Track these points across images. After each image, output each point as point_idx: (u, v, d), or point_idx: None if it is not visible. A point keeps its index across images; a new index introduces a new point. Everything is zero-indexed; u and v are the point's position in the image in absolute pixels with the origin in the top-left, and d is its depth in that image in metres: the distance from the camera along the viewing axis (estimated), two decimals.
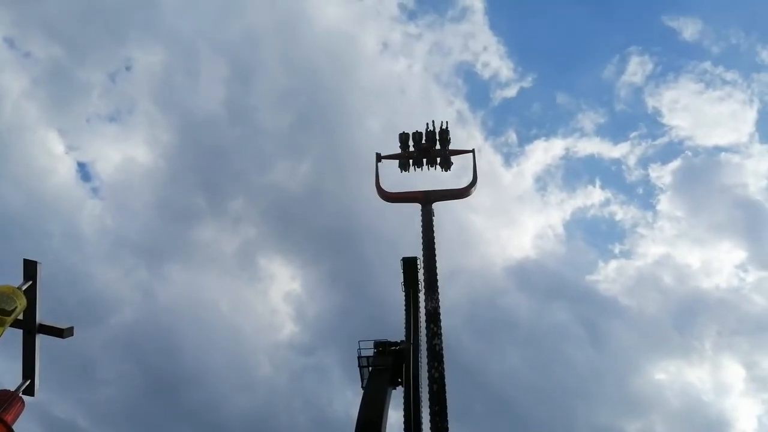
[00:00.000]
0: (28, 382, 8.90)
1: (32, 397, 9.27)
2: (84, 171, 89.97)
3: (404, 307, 24.45)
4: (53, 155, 76.63)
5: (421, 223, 23.14)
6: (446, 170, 24.42)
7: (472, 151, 24.86)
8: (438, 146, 24.94)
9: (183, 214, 78.67)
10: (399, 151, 26.18)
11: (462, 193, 25.00)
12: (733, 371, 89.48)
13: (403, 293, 24.27)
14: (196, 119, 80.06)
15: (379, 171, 25.33)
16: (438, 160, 25.37)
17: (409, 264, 23.14)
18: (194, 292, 78.94)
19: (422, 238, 23.24)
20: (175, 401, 70.42)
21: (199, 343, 74.36)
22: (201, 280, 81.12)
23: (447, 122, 24.84)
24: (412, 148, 25.10)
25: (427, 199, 23.23)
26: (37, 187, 72.00)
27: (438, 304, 22.73)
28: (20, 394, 8.57)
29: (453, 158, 25.07)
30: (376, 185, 23.94)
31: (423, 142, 24.83)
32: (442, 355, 19.58)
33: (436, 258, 23.68)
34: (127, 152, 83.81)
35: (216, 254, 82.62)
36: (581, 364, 73.49)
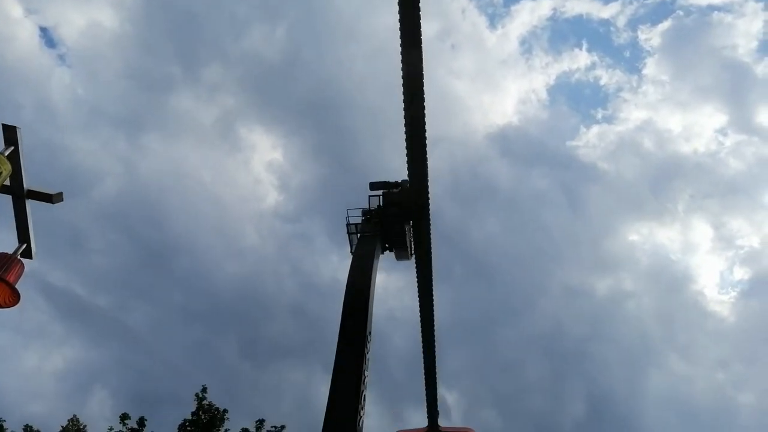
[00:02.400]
0: (24, 246, 9.05)
1: (30, 260, 9.49)
2: (47, 37, 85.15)
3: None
4: (11, 19, 71.93)
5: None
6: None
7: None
8: None
9: (157, 83, 76.06)
10: None
11: None
12: (702, 231, 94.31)
13: None
14: None
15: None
16: None
17: None
18: (175, 163, 78.72)
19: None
20: (166, 269, 73.09)
21: (184, 213, 75.63)
22: (181, 150, 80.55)
23: None
24: None
25: None
26: None
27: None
28: (19, 257, 8.75)
29: None
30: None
31: None
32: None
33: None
34: (91, 16, 78.71)
35: (194, 124, 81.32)
36: (558, 229, 76.70)
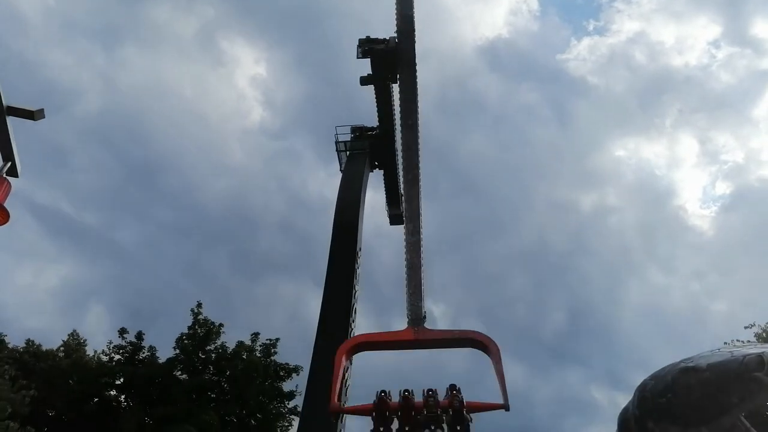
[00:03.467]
0: (9, 164, 8.88)
1: (17, 179, 9.38)
2: None
3: (375, 96, 22.30)
4: None
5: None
6: None
7: None
8: None
9: None
10: None
11: None
12: (688, 146, 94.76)
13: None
14: None
15: None
16: None
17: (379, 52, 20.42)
18: (156, 78, 76.28)
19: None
20: (152, 186, 72.76)
21: (168, 129, 74.25)
22: (162, 64, 77.81)
23: None
24: None
25: None
26: None
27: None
28: (4, 175, 8.63)
29: None
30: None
31: None
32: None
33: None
34: None
35: (174, 36, 78.05)
36: (545, 144, 76.64)
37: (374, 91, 21.40)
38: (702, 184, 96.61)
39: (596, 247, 74.86)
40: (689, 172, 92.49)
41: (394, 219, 23.98)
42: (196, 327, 31.40)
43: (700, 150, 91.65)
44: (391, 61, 18.78)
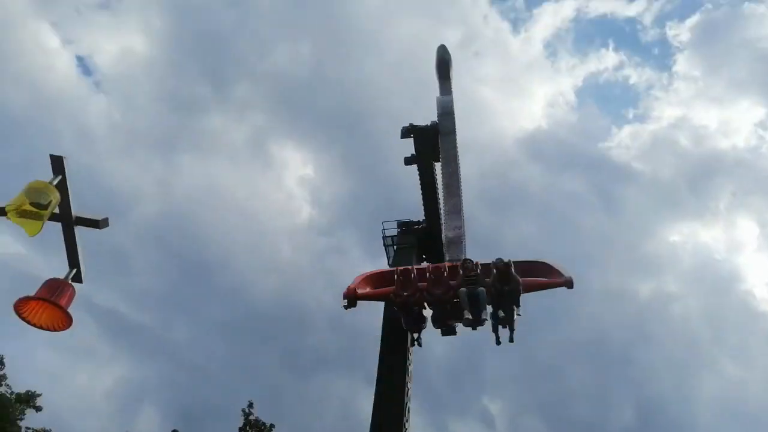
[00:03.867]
0: (75, 270, 9.37)
1: (80, 284, 9.81)
2: (83, 65, 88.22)
3: (419, 176, 23.24)
4: (49, 50, 74.97)
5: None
6: None
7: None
8: None
9: (189, 104, 77.97)
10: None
11: None
12: (747, 229, 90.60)
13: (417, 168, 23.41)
14: (190, 2, 76.61)
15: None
16: None
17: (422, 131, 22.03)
18: (210, 182, 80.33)
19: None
20: (205, 286, 74.43)
21: (221, 230, 76.96)
22: (215, 169, 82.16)
23: None
24: None
25: None
26: (38, 85, 71.26)
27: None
28: (70, 281, 9.06)
29: None
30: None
31: None
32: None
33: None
34: (123, 42, 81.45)
35: (226, 143, 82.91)
36: (594, 231, 74.89)
37: (417, 171, 22.58)
38: None
39: (660, 338, 70.51)
40: (752, 256, 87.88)
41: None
42: (248, 428, 30.78)
43: (760, 233, 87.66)
44: (433, 137, 20.44)
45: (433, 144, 21.60)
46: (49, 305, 8.19)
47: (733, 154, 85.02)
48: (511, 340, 13.57)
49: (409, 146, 22.14)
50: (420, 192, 23.09)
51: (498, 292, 12.51)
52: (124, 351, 74.10)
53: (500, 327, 13.94)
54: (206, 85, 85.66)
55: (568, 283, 13.87)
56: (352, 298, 14.90)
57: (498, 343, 14.34)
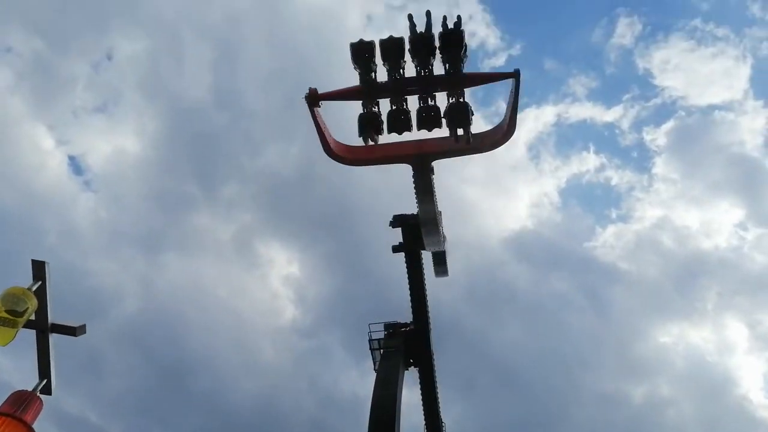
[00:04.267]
0: (45, 382, 8.91)
1: (49, 396, 9.30)
2: (75, 164, 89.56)
3: (405, 266, 22.67)
4: (43, 151, 76.27)
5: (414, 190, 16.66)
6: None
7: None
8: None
9: (177, 203, 78.60)
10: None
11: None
12: (736, 330, 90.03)
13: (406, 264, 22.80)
14: (183, 105, 79.47)
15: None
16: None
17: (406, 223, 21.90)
18: (193, 281, 79.23)
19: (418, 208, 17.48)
20: (182, 389, 71.08)
21: (201, 330, 74.82)
22: (199, 267, 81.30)
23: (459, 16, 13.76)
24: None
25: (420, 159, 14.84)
26: (29, 184, 71.88)
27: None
28: (38, 394, 8.58)
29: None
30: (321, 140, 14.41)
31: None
32: None
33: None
34: (116, 143, 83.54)
35: (212, 241, 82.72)
36: (584, 332, 73.98)
37: (405, 260, 22.26)
38: (761, 371, 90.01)
39: None
40: (744, 359, 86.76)
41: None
42: None
43: (750, 334, 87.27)
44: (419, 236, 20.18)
45: (420, 236, 21.29)
46: (12, 421, 7.68)
47: (716, 254, 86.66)
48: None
49: (397, 235, 22.10)
50: (407, 285, 22.80)
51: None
52: None
53: None
54: (195, 184, 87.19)
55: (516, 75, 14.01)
56: (313, 98, 13.39)
57: None
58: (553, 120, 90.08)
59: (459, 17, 12.80)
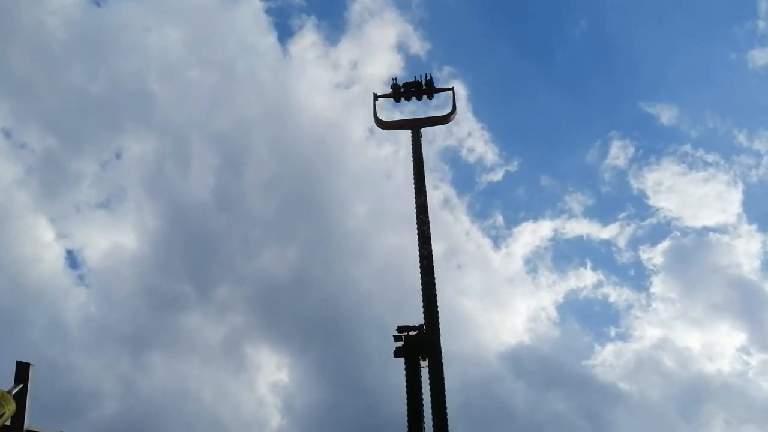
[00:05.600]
0: None
1: None
2: (72, 258, 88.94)
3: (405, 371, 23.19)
4: (42, 243, 76.04)
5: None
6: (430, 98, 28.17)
7: (452, 88, 28.26)
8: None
9: (168, 302, 77.10)
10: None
11: (444, 120, 28.44)
12: None
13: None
14: (185, 206, 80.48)
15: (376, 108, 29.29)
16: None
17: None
18: (177, 383, 75.69)
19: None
20: None
21: None
22: (185, 369, 78.01)
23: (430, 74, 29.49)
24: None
25: (415, 125, 27.00)
26: (23, 275, 71.06)
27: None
28: None
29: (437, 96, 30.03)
30: (374, 117, 26.22)
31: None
32: None
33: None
34: (115, 239, 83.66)
35: (201, 343, 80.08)
36: None
37: (404, 364, 22.45)
38: None
39: None
40: None
41: None
42: None
43: None
44: (421, 343, 21.68)
45: (421, 346, 22.16)
46: None
47: (720, 378, 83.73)
48: None
49: (394, 362, 22.15)
50: (405, 390, 22.71)
51: None
52: None
53: None
54: (189, 284, 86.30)
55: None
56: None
57: None
58: (549, 234, 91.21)
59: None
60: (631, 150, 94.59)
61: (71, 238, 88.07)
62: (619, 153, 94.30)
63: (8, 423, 8.61)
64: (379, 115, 25.68)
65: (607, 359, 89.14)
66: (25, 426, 8.82)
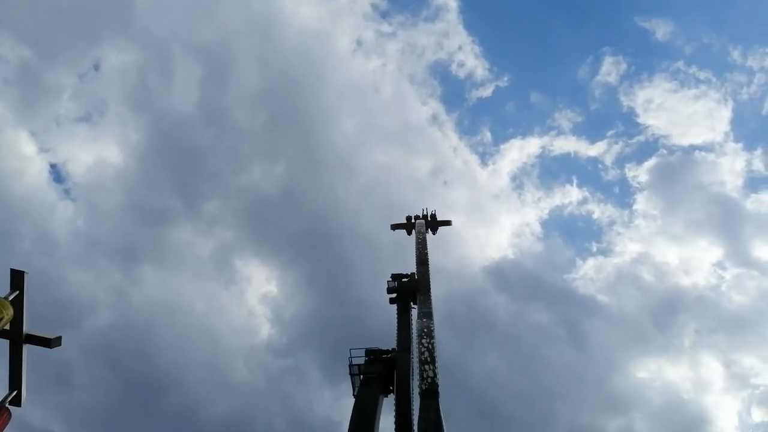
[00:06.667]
0: (14, 393, 8.67)
1: (18, 408, 9.03)
2: (56, 172, 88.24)
3: (396, 316, 25.56)
4: (24, 157, 75.23)
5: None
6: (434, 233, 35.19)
7: (450, 222, 36.09)
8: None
9: (156, 216, 77.63)
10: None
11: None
12: (713, 369, 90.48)
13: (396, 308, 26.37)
14: (169, 120, 79.16)
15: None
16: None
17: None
18: (169, 295, 77.92)
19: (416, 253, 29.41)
20: (152, 405, 69.28)
21: (175, 346, 73.34)
22: (176, 282, 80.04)
23: (435, 210, 36.20)
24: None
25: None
26: (7, 190, 70.61)
27: (431, 312, 24.21)
28: (7, 405, 8.34)
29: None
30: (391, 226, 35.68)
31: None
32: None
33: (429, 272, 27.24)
34: (98, 153, 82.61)
35: (191, 256, 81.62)
36: (562, 364, 73.83)
37: (396, 308, 25.96)
38: (736, 409, 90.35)
39: None
40: (720, 397, 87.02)
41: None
42: None
43: (725, 373, 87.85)
44: (413, 289, 26.28)
45: (413, 292, 26.40)
46: None
47: (695, 292, 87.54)
48: None
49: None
50: (390, 314, 25.84)
51: None
52: None
53: None
54: (177, 198, 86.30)
55: None
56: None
57: None
58: (537, 152, 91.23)
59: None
60: (624, 66, 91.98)
61: (53, 152, 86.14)
62: (611, 69, 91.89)
63: (7, 327, 8.86)
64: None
65: (588, 273, 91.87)
66: (24, 330, 9.08)
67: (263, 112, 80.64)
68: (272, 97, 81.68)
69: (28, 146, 76.57)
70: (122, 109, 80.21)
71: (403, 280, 26.88)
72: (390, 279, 27.67)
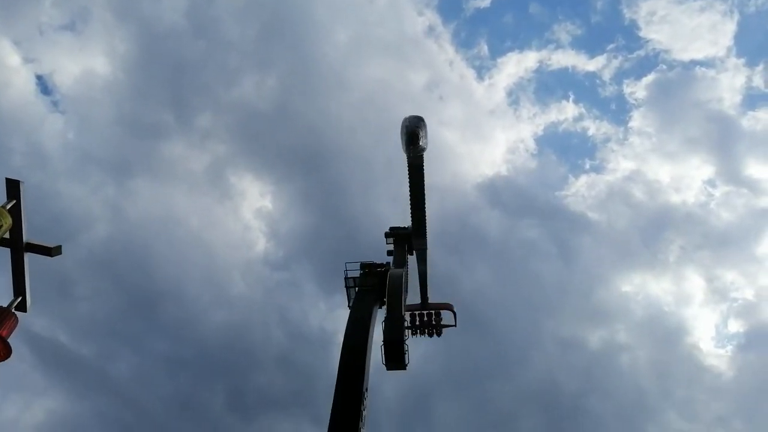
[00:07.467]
0: (19, 299, 8.92)
1: (24, 314, 9.32)
2: (43, 84, 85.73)
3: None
4: (8, 67, 72.81)
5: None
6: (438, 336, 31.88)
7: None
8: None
9: (148, 130, 76.41)
10: None
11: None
12: (695, 283, 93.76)
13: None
14: (157, 30, 76.07)
15: None
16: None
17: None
18: (165, 209, 78.36)
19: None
20: (152, 317, 71.66)
21: (172, 259, 74.70)
22: (171, 197, 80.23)
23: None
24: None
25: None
26: None
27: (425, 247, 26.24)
28: (13, 310, 8.60)
29: None
30: None
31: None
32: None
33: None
34: (85, 64, 79.86)
35: (185, 171, 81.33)
36: (550, 279, 76.17)
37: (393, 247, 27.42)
38: (714, 322, 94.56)
39: (609, 388, 71.33)
40: (699, 310, 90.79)
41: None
42: None
43: (707, 287, 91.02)
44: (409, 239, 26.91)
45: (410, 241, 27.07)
46: None
47: (684, 209, 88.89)
48: None
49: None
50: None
51: None
52: (59, 384, 70.04)
53: None
54: (169, 112, 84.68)
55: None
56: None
57: None
58: (534, 66, 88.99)
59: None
60: None
61: (39, 62, 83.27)
62: None
63: (7, 236, 8.97)
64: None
65: (580, 190, 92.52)
66: (24, 239, 9.21)
67: (253, 22, 77.39)
68: (262, 6, 78.22)
69: (11, 56, 73.84)
70: (107, 16, 76.74)
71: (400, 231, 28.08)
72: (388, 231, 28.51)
